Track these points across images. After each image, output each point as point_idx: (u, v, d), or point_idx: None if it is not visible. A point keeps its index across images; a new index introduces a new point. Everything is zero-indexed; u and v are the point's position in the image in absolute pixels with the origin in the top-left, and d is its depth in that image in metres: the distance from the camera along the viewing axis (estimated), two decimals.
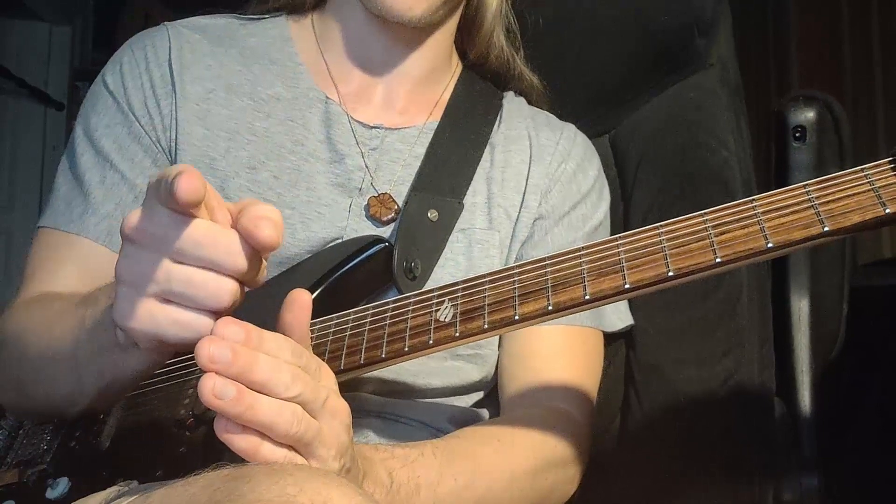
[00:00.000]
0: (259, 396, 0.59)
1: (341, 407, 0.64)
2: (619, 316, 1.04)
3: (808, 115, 1.10)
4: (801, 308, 1.09)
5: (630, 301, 1.07)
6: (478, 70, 1.08)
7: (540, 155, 1.02)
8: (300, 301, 0.66)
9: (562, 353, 0.96)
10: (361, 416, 0.91)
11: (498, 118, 1.04)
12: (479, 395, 1.00)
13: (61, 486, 0.77)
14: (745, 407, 1.03)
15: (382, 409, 0.93)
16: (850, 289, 1.15)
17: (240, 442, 0.59)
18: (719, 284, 1.05)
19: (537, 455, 0.86)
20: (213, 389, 0.57)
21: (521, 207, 1.00)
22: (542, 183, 1.01)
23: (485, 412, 1.03)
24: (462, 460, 0.81)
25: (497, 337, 0.99)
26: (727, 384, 1.03)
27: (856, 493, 1.27)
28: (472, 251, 0.96)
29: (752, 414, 1.04)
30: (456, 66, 1.07)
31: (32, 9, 3.61)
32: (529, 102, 1.10)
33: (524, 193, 1.00)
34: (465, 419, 0.98)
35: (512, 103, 1.08)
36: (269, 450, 0.59)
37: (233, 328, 0.59)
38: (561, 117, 1.11)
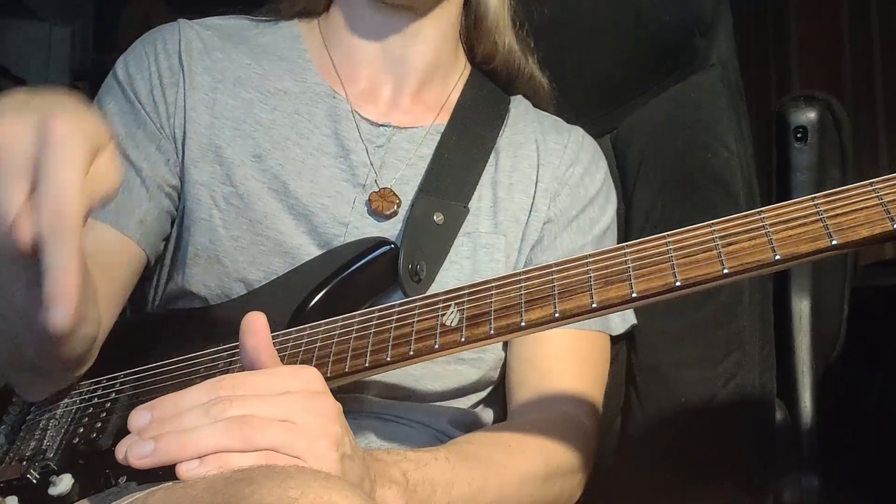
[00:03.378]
0: (186, 432, 0.60)
1: (320, 402, 0.64)
2: (623, 317, 1.04)
3: (809, 115, 1.11)
4: (801, 309, 1.09)
5: None
6: (487, 72, 1.08)
7: (548, 158, 1.03)
8: (256, 325, 0.67)
9: (571, 357, 0.96)
10: (363, 417, 0.91)
11: (504, 122, 1.04)
12: (478, 396, 1.00)
13: (64, 482, 0.77)
14: (745, 408, 1.03)
15: (384, 410, 0.93)
16: (851, 289, 1.15)
17: (206, 469, 0.59)
18: (720, 286, 1.05)
19: (547, 461, 0.86)
20: (132, 456, 0.60)
21: (530, 211, 1.00)
22: (550, 186, 1.01)
23: (485, 413, 1.03)
24: (474, 464, 0.81)
25: (499, 343, 0.99)
26: (728, 385, 1.03)
27: (856, 493, 1.27)
28: (476, 255, 0.96)
29: (752, 415, 1.04)
30: (464, 68, 1.07)
31: (32, 9, 3.60)
32: (537, 105, 1.10)
33: (534, 197, 1.00)
34: (466, 421, 0.99)
35: (519, 107, 1.08)
36: (238, 459, 0.60)
37: (139, 416, 0.63)
38: (561, 118, 1.11)
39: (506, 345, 1.00)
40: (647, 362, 1.07)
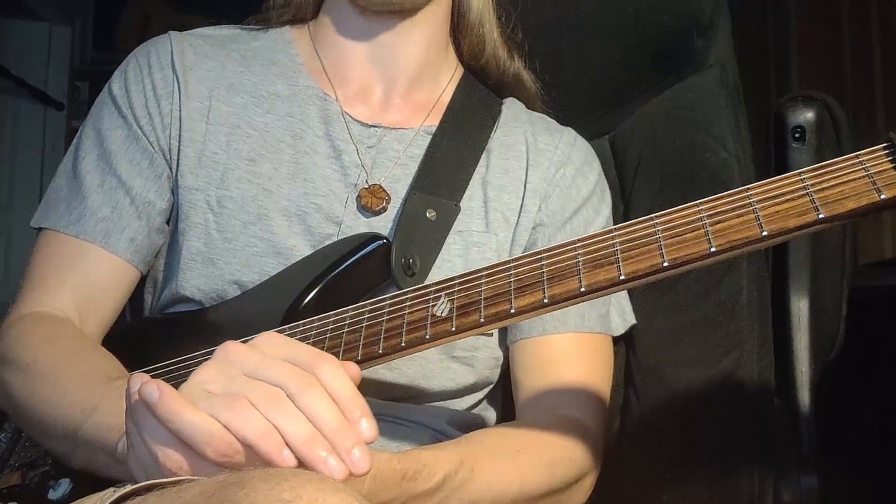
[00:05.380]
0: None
1: None
2: (623, 318, 1.04)
3: (808, 115, 1.10)
4: (800, 308, 1.09)
5: (631, 302, 1.07)
6: (478, 72, 1.08)
7: (538, 159, 1.03)
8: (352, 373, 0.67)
9: (576, 361, 0.96)
10: None
11: (496, 124, 1.05)
12: (476, 397, 1.00)
13: (63, 487, 0.77)
14: (744, 407, 1.03)
15: (381, 411, 0.93)
16: (851, 289, 1.15)
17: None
18: (719, 285, 1.05)
19: (552, 472, 0.86)
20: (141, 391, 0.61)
21: (520, 212, 1.00)
22: (540, 188, 1.01)
23: (487, 413, 1.03)
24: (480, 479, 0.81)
25: (492, 341, 0.99)
26: (727, 385, 1.03)
27: (856, 493, 1.27)
28: (468, 253, 0.96)
29: (751, 414, 1.04)
30: (455, 68, 1.07)
31: (32, 8, 3.61)
32: (526, 104, 1.10)
33: (523, 198, 1.00)
34: (465, 421, 0.99)
35: (511, 109, 1.08)
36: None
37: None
38: (560, 119, 1.11)
39: (502, 344, 1.00)
40: (646, 362, 1.07)
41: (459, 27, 1.06)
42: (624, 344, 1.09)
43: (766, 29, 2.58)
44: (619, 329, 1.03)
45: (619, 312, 1.04)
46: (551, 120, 1.10)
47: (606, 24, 1.17)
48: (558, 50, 1.17)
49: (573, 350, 0.97)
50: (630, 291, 1.08)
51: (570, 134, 1.07)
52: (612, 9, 1.17)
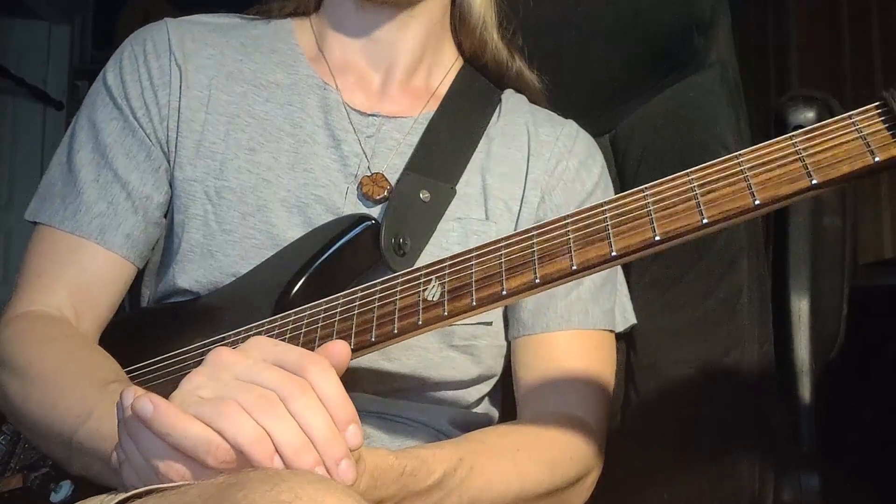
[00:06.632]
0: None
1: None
2: (623, 316, 1.04)
3: (808, 114, 1.10)
4: (801, 308, 1.09)
5: (632, 301, 1.07)
6: (478, 68, 1.08)
7: (539, 150, 1.02)
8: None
9: (578, 359, 0.96)
10: (362, 416, 0.91)
11: (496, 112, 1.05)
12: (480, 391, 1.00)
13: (64, 489, 0.77)
14: (744, 406, 1.03)
15: (384, 409, 0.93)
16: (851, 288, 1.15)
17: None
18: (719, 284, 1.05)
19: (554, 472, 0.86)
20: (135, 407, 0.60)
21: (521, 202, 1.00)
22: (541, 179, 1.01)
23: (490, 412, 1.03)
24: (479, 478, 0.81)
25: (492, 329, 0.98)
26: (727, 384, 1.03)
27: (856, 493, 1.27)
28: (468, 241, 0.95)
29: (751, 413, 1.04)
30: (455, 61, 1.07)
31: (32, 8, 3.60)
32: (529, 101, 1.10)
33: (524, 188, 1.00)
34: (466, 420, 0.98)
35: (512, 100, 1.08)
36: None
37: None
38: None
39: (506, 332, 1.00)
40: (647, 360, 1.07)
41: (461, 30, 1.06)
42: (625, 342, 1.09)
43: (766, 29, 2.58)
44: (619, 326, 1.03)
45: (620, 311, 1.04)
46: (552, 112, 1.10)
47: (606, 24, 1.17)
48: (558, 50, 1.17)
49: (576, 347, 0.97)
50: (631, 290, 1.08)
51: (571, 126, 1.07)
52: (613, 8, 1.17)
